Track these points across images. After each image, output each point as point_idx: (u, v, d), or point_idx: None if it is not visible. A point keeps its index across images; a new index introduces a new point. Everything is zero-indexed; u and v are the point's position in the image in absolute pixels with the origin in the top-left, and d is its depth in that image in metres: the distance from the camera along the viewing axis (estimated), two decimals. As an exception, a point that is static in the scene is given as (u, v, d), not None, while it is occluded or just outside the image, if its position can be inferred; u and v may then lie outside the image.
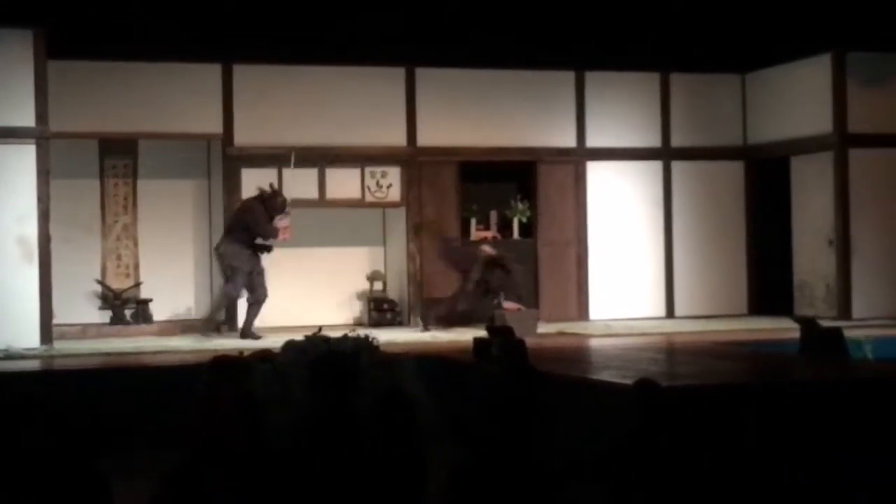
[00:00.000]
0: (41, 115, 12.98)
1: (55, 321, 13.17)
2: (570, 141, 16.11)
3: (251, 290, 13.69)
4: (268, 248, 13.83)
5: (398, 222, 15.69)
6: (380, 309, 15.35)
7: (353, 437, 6.41)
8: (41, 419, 4.82)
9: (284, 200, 13.88)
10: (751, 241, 16.64)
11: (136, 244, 15.26)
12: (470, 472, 5.85)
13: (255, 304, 13.67)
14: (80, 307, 14.66)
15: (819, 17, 15.81)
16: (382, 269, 15.93)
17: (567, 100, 16.12)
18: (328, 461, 6.28)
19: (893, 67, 15.61)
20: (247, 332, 13.46)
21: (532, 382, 8.02)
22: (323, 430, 6.57)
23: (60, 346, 12.80)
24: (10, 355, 12.03)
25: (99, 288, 14.97)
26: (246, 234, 13.67)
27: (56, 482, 3.98)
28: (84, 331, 14.20)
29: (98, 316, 14.84)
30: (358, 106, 15.31)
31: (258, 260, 13.74)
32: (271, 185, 14.03)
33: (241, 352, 9.50)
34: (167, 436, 7.29)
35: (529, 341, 9.47)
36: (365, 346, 9.55)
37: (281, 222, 13.82)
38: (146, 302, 14.83)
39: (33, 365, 11.74)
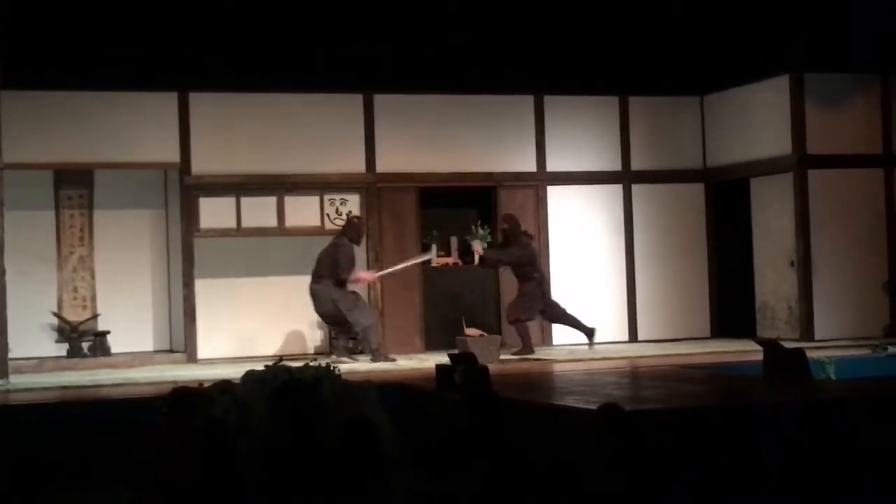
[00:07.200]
0: (-6, 145, 12.81)
1: (11, 355, 12.96)
2: (529, 165, 16.08)
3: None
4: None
5: (358, 250, 15.56)
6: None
7: (315, 467, 6.32)
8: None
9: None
10: (712, 263, 16.65)
11: (92, 275, 15.10)
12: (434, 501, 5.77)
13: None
14: (36, 340, 14.50)
15: (776, 39, 15.87)
16: (343, 297, 15.81)
17: (526, 124, 16.10)
18: (291, 492, 6.19)
19: (851, 88, 15.69)
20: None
21: (495, 409, 7.94)
22: (285, 460, 6.47)
23: (17, 380, 12.57)
24: (-36, 391, 11.84)
25: (55, 320, 14.80)
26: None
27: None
28: (41, 364, 14.02)
29: (55, 349, 14.68)
30: (316, 133, 15.24)
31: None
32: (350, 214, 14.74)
33: (200, 383, 9.37)
34: (126, 470, 7.17)
35: (492, 368, 9.41)
36: (326, 375, 9.43)
37: (365, 274, 14.44)
38: (104, 334, 14.67)
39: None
